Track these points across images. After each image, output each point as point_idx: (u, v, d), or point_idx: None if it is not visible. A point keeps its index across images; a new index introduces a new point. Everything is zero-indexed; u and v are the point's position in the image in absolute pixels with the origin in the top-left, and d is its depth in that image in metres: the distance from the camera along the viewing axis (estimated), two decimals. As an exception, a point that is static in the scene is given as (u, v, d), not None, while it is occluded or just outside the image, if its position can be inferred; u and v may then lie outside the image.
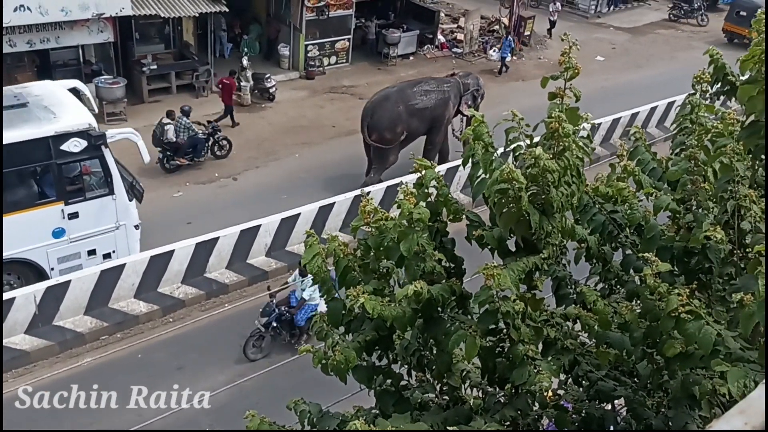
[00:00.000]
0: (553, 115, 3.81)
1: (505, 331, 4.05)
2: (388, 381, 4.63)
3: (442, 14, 27.04)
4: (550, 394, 4.38)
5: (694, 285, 4.43)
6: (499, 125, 4.18)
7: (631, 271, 4.84)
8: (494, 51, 23.43)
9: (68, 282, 12.14)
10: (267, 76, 21.15)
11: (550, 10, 28.10)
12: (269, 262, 14.37)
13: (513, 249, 4.24)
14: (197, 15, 19.81)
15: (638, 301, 4.52)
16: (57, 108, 12.39)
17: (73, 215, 12.47)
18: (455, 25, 27.29)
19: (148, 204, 14.23)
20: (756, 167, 4.51)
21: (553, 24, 27.58)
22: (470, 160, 4.11)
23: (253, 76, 20.73)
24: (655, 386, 4.53)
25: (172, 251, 13.18)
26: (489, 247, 4.22)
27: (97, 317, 12.54)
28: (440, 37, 25.99)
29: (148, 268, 12.93)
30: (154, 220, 14.43)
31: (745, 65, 4.03)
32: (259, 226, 14.15)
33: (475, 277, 4.04)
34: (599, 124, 19.03)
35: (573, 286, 4.79)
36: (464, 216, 4.37)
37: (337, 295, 4.39)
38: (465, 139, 4.29)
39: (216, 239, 13.65)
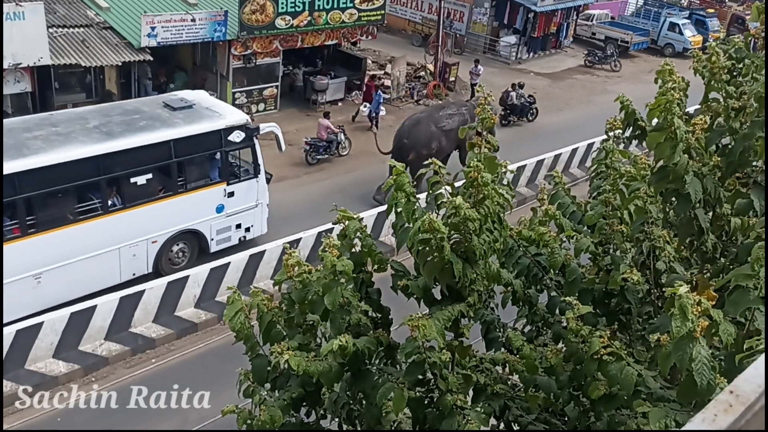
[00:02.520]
0: (471, 165, 3.87)
1: (433, 381, 4.02)
2: (318, 438, 4.52)
3: (369, 61, 27.50)
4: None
5: (615, 326, 4.54)
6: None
7: (557, 312, 4.93)
8: (365, 106, 23.27)
9: (-20, 344, 11.44)
10: (194, 123, 20.89)
11: (471, 71, 27.09)
12: (199, 313, 13.94)
13: (439, 297, 4.24)
14: (120, 64, 19.49)
15: (564, 343, 4.58)
16: (217, 108, 15.33)
17: (231, 194, 15.06)
18: (382, 72, 27.79)
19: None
20: (667, 210, 4.69)
21: (473, 86, 26.79)
22: (393, 210, 4.12)
23: (179, 124, 20.41)
24: (583, 428, 4.57)
25: (95, 306, 12.62)
26: (415, 296, 4.22)
27: (12, 380, 11.80)
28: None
29: (68, 326, 12.32)
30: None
31: (652, 113, 4.23)
32: (187, 277, 13.76)
33: (403, 326, 4.01)
34: (524, 167, 19.56)
35: (501, 330, 4.83)
36: (389, 265, 4.35)
37: (261, 351, 4.27)
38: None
39: (142, 292, 13.18)
